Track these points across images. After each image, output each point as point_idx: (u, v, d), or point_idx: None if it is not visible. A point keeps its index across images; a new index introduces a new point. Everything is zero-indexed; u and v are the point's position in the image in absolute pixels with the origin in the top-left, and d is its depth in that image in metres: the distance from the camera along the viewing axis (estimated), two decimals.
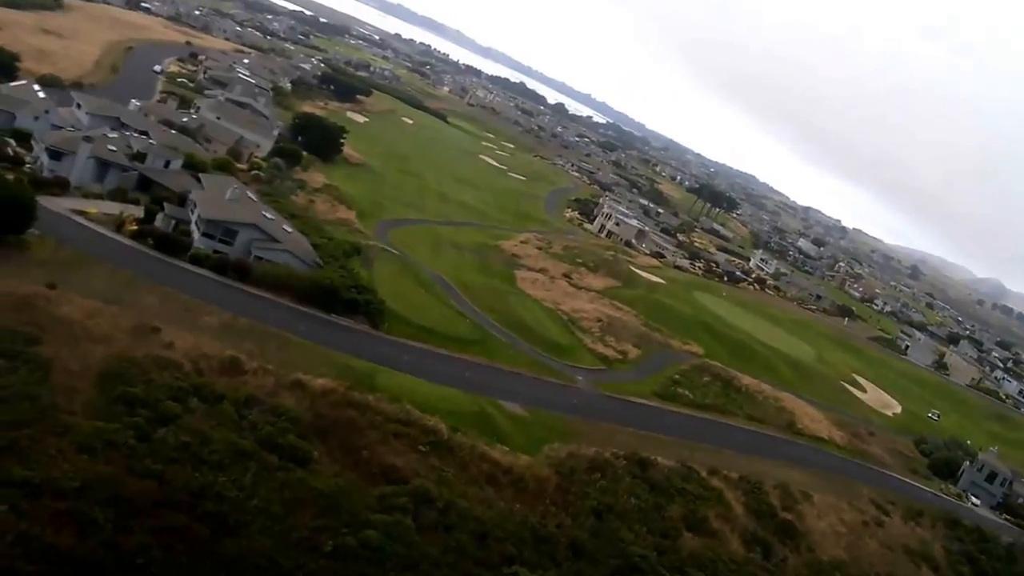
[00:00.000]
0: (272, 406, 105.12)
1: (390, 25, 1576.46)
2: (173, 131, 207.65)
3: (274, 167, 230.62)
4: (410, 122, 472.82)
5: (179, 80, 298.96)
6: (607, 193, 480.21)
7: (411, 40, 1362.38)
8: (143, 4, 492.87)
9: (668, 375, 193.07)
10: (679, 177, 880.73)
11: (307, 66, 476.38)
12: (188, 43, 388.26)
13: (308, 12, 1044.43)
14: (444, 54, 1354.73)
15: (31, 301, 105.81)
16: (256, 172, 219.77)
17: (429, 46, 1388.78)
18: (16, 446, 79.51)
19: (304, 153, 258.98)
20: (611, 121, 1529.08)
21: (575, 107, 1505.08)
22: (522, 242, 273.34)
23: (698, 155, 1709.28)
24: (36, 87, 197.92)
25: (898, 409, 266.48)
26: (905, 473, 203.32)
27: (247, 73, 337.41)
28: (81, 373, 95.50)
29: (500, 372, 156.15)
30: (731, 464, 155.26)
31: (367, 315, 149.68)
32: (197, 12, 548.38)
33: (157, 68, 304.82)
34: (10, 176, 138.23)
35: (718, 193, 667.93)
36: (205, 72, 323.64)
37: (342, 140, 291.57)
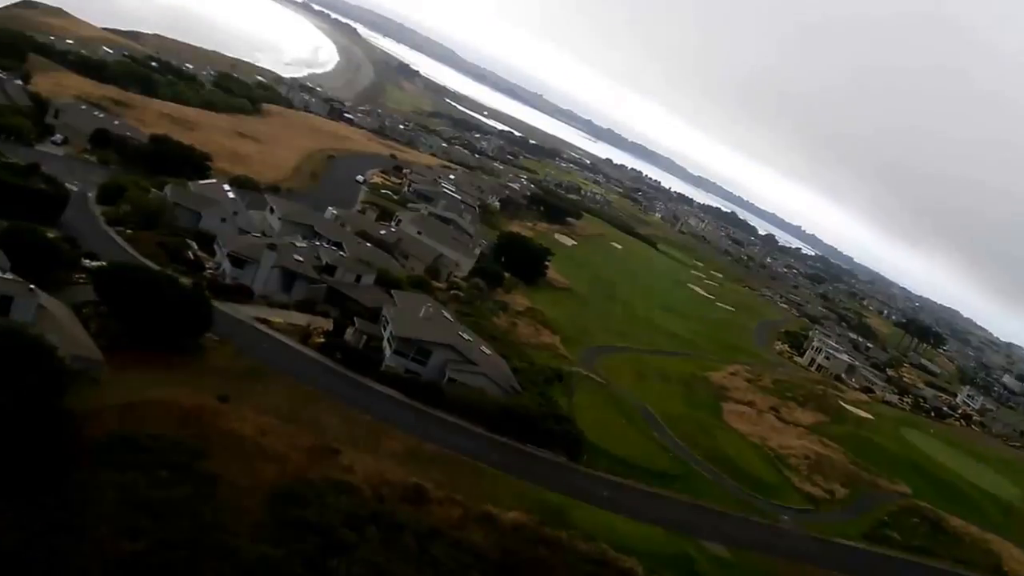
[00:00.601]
0: (457, 540, 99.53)
1: (601, 150, 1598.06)
2: (369, 244, 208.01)
3: (474, 287, 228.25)
4: (619, 247, 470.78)
5: (382, 191, 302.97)
6: (816, 326, 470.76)
7: (622, 166, 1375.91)
8: (346, 115, 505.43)
9: (876, 516, 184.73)
10: (886, 311, 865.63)
11: (516, 186, 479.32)
12: (393, 156, 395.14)
13: (518, 133, 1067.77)
14: (656, 181, 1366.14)
15: (199, 413, 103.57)
16: (455, 292, 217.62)
17: (640, 172, 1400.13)
18: (172, 566, 75.50)
19: (507, 274, 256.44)
20: (819, 254, 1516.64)
21: (785, 239, 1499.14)
22: (731, 374, 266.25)
23: (903, 289, 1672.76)
24: (226, 187, 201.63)
25: None
26: None
27: (453, 189, 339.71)
28: (250, 492, 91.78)
29: (702, 510, 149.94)
30: None
31: (565, 446, 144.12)
32: (402, 127, 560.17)
33: (360, 178, 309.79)
34: (187, 280, 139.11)
35: (925, 328, 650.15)
36: (409, 185, 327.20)
37: (546, 262, 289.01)
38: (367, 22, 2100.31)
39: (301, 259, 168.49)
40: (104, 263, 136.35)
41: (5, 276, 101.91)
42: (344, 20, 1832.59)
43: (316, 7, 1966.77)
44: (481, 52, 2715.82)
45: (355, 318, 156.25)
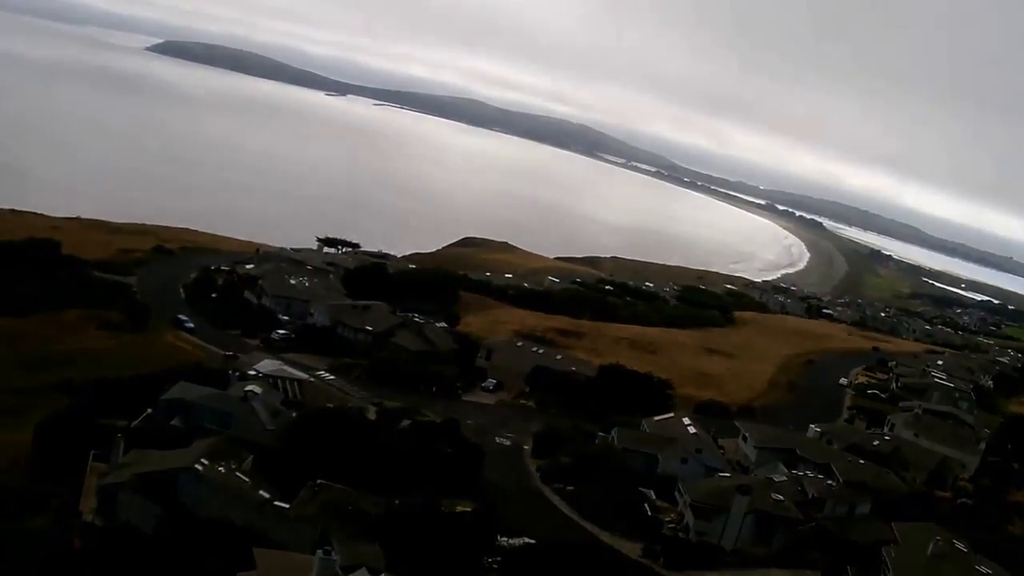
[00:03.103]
0: None
1: None
2: (862, 460, 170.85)
3: (982, 491, 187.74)
4: None
5: (869, 392, 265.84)
6: None
7: None
8: (824, 311, 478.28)
9: None
10: None
11: (1006, 359, 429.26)
12: (875, 348, 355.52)
13: (996, 301, 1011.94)
14: None
15: None
16: (962, 500, 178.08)
17: None
18: None
19: (1015, 465, 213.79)
20: None
21: None
22: None
23: None
24: (686, 420, 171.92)
25: None
26: None
27: (943, 376, 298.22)
28: None
29: None
30: None
31: None
32: (883, 314, 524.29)
33: (843, 381, 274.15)
34: (634, 546, 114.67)
35: None
36: (897, 380, 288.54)
37: None
38: (831, 214, 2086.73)
39: (781, 497, 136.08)
40: (524, 540, 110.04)
41: None
42: (808, 216, 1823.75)
43: (780, 207, 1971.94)
44: (945, 224, 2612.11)
45: (848, 566, 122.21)
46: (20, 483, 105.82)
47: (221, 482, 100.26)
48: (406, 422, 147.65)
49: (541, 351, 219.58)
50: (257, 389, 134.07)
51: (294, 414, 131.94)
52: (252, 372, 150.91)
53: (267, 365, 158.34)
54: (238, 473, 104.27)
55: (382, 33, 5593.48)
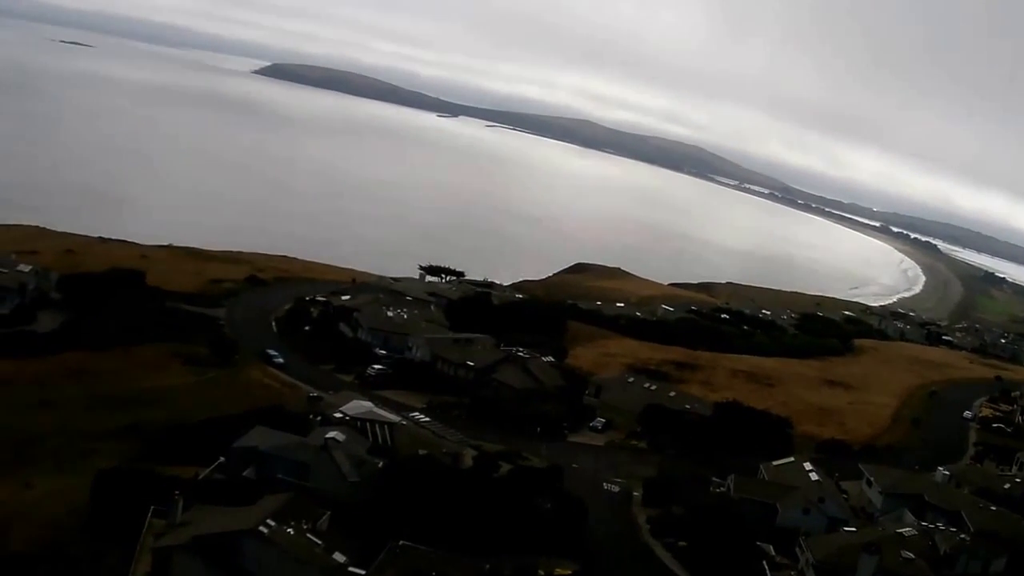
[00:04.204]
0: None
1: None
2: (992, 507, 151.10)
3: None
4: None
5: (994, 426, 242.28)
6: None
7: None
8: (944, 338, 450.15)
9: None
10: None
11: None
12: (997, 377, 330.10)
13: None
14: None
15: None
16: None
17: None
18: None
19: None
20: None
21: None
22: None
23: None
24: (807, 466, 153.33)
25: None
26: None
27: None
28: None
29: None
30: None
31: None
32: (1003, 340, 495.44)
33: (967, 414, 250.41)
34: None
35: None
36: (1022, 413, 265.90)
37: None
38: (945, 236, 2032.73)
39: (911, 555, 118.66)
40: None
41: None
42: (923, 239, 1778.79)
43: (895, 229, 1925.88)
44: None
45: None
46: (72, 538, 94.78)
47: (289, 546, 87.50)
48: (506, 467, 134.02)
49: (653, 387, 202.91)
50: (339, 436, 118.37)
51: (380, 463, 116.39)
52: (337, 415, 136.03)
53: (355, 407, 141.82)
54: (310, 535, 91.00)
55: (495, 53, 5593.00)
